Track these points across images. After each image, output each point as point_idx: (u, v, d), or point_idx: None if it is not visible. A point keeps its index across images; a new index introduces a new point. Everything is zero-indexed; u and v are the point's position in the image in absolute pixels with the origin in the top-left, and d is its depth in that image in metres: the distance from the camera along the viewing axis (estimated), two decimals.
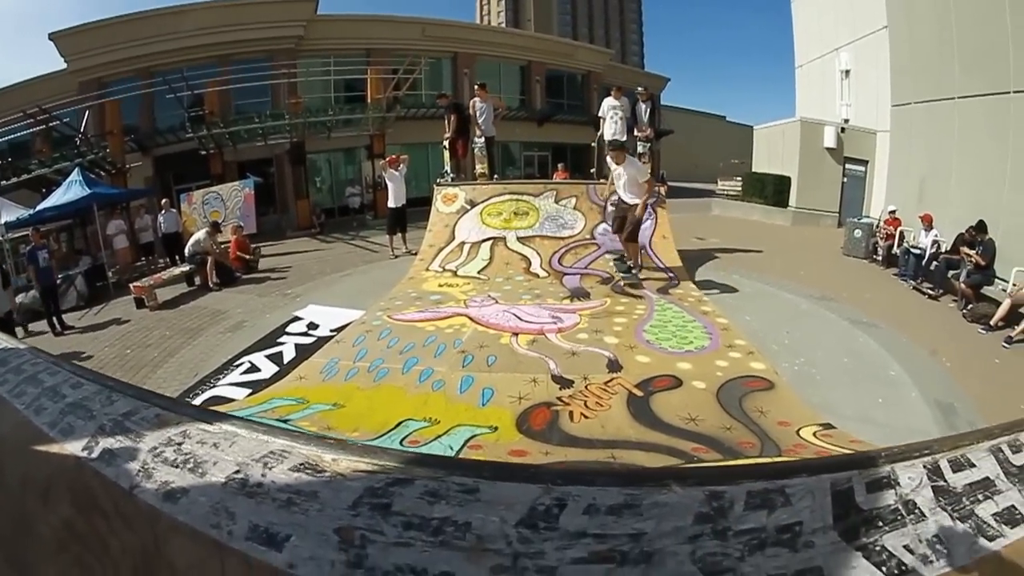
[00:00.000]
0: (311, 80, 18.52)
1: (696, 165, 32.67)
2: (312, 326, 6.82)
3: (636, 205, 7.28)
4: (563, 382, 4.72)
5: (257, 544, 0.80)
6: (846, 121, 16.24)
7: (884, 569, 0.78)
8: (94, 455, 1.09)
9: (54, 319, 8.41)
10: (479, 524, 0.77)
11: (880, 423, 4.28)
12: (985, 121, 9.77)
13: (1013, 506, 0.93)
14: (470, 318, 6.37)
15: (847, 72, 16.41)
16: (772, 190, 17.07)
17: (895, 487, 0.94)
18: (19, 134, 14.60)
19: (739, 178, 20.36)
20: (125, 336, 7.56)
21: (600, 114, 10.37)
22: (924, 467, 1.00)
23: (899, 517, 0.87)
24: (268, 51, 17.84)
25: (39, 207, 11.21)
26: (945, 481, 0.98)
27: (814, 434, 3.86)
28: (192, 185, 15.29)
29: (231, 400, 4.90)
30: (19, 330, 8.18)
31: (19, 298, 8.95)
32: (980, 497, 0.94)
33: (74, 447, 1.12)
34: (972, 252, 8.28)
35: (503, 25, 61.49)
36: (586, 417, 4.15)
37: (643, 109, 10.29)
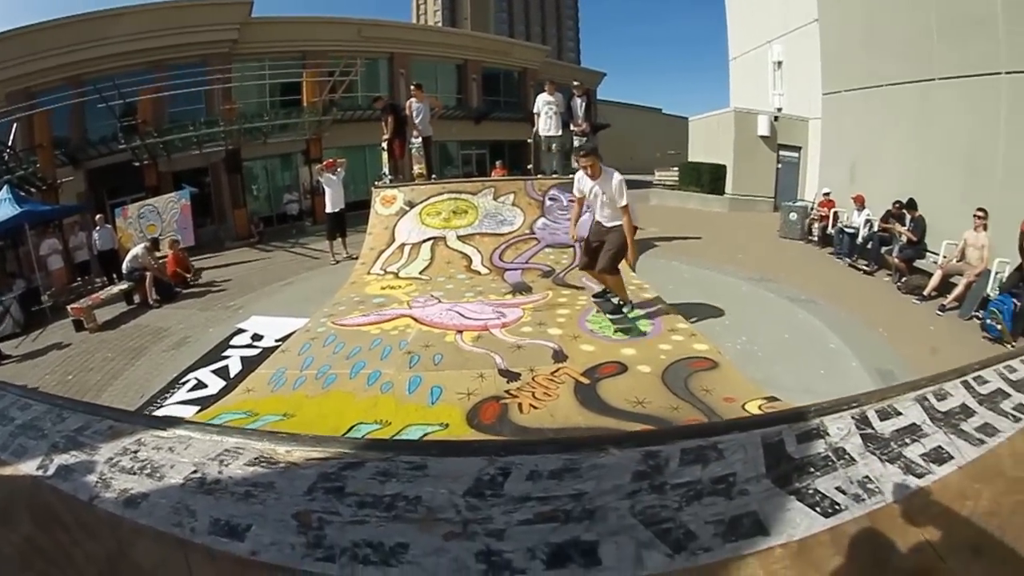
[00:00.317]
0: (246, 85, 17.93)
1: (633, 157, 33.29)
2: (256, 337, 6.69)
3: (617, 226, 5.54)
4: (510, 375, 4.79)
5: (220, 537, 0.84)
6: (779, 110, 16.97)
7: (818, 509, 0.87)
8: (50, 472, 1.10)
9: None
10: (429, 497, 0.84)
11: (822, 393, 4.48)
12: (913, 106, 10.37)
13: (940, 447, 1.06)
14: (414, 319, 6.38)
15: (779, 63, 17.14)
16: (708, 178, 17.60)
17: (824, 437, 1.05)
18: None
19: (676, 168, 20.91)
20: (66, 361, 7.23)
21: (535, 110, 10.50)
22: (852, 418, 1.12)
23: (830, 463, 0.98)
24: (202, 56, 17.17)
25: None
26: (873, 429, 1.10)
27: (759, 407, 4.04)
28: (127, 199, 14.54)
29: None
30: None
31: None
32: (908, 441, 1.07)
33: (28, 467, 1.13)
34: (904, 228, 8.82)
35: (440, 24, 61.18)
36: (535, 408, 4.24)
37: (578, 104, 10.46)
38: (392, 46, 21.76)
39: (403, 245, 9.12)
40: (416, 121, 10.47)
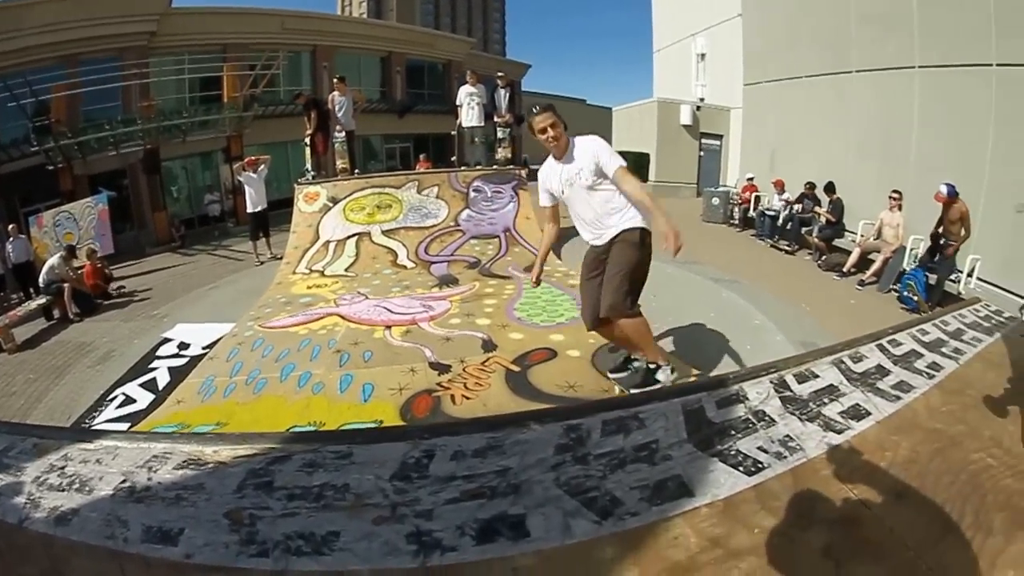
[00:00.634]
0: (164, 80, 16.97)
1: None
2: (183, 346, 6.43)
3: (621, 233, 3.44)
4: (441, 368, 4.81)
5: (153, 544, 0.85)
6: (701, 100, 17.63)
7: (741, 468, 0.94)
8: None
9: None
10: (356, 484, 0.88)
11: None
12: (830, 96, 11.03)
13: (857, 404, 1.16)
14: (342, 316, 6.29)
15: (703, 55, 17.83)
16: (633, 166, 17.63)
17: (744, 401, 1.14)
18: None
19: None
20: None
21: (458, 102, 10.46)
22: (771, 382, 1.21)
23: (750, 425, 1.05)
24: (119, 49, 15.99)
25: None
26: (792, 392, 1.19)
27: None
28: (41, 206, 13.55)
29: None
30: None
31: None
32: (826, 400, 1.17)
33: None
34: (823, 210, 9.36)
35: (365, 16, 59.71)
36: (467, 398, 4.29)
37: (502, 95, 10.50)
38: (316, 38, 21.10)
39: (328, 242, 8.94)
40: (339, 115, 10.25)
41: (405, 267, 8.25)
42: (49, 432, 1.23)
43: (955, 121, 8.11)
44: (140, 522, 0.87)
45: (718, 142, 16.96)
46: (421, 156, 16.43)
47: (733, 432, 1.02)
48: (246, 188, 10.57)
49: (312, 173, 10.41)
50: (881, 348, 1.48)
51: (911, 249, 7.71)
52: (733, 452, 0.97)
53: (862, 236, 8.70)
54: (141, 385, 5.55)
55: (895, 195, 8.04)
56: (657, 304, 6.40)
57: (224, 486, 0.88)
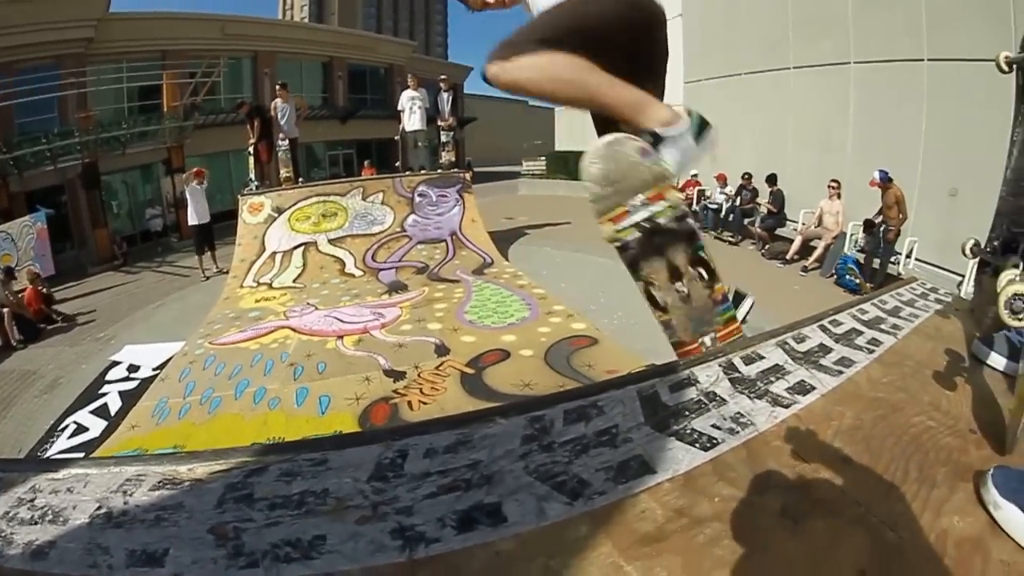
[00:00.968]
0: (102, 90, 16.22)
1: (500, 149, 33.91)
2: (133, 368, 6.25)
3: None
4: (396, 375, 4.87)
5: (139, 568, 0.84)
6: None
7: (698, 445, 1.01)
8: None
9: None
10: (335, 488, 0.91)
11: None
12: (770, 93, 11.49)
13: (803, 380, 1.25)
14: (293, 329, 6.27)
15: None
16: (576, 166, 18.19)
17: (695, 384, 1.21)
18: None
19: (543, 158, 21.51)
20: None
21: (400, 107, 10.47)
22: (719, 366, 1.28)
23: (703, 406, 1.13)
24: (55, 57, 15.17)
25: None
26: (740, 372, 1.27)
27: None
28: None
29: None
30: None
31: None
32: (772, 379, 1.25)
33: None
34: (764, 201, 9.70)
35: (307, 19, 58.51)
36: (424, 404, 4.37)
37: (445, 99, 10.57)
38: (257, 44, 20.62)
39: (274, 253, 8.85)
40: (281, 123, 10.08)
41: (353, 275, 8.25)
42: (10, 465, 1.19)
43: (889, 112, 8.56)
44: (123, 547, 0.86)
45: None
46: (365, 162, 16.38)
47: (687, 413, 1.10)
48: (189, 201, 10.30)
49: (256, 183, 10.19)
50: (823, 328, 1.59)
51: (851, 235, 8.08)
52: (689, 431, 1.03)
53: (803, 224, 9.09)
54: (92, 412, 5.39)
55: (833, 184, 8.42)
56: (605, 299, 6.60)
57: (204, 503, 0.89)
